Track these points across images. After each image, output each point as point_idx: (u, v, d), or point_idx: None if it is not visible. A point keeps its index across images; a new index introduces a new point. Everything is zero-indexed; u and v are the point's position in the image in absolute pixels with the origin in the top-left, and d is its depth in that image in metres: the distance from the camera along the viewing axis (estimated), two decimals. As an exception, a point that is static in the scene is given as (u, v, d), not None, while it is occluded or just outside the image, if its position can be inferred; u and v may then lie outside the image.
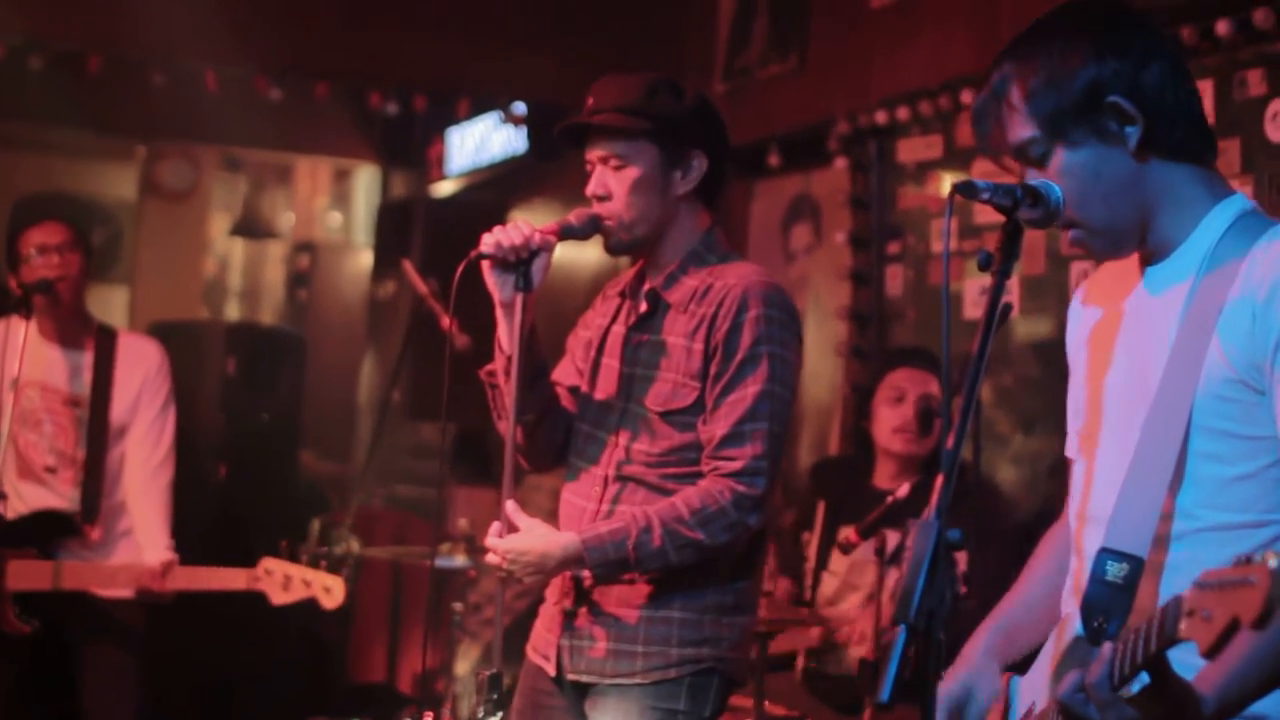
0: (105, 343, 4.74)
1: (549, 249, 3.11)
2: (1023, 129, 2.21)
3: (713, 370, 3.10)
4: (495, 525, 3.13)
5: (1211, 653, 1.76)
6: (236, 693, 6.23)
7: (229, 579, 4.55)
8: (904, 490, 4.31)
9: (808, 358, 6.35)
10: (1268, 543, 2.15)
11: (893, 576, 4.39)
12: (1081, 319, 2.45)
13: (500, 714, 2.99)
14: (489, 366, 3.25)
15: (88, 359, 4.71)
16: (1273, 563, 1.67)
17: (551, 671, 3.21)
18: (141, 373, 4.75)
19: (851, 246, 6.05)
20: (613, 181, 3.16)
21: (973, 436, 4.60)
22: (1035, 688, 2.35)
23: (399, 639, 6.30)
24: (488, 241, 3.08)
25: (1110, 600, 2.14)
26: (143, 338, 4.91)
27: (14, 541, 4.51)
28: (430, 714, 4.73)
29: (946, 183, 5.58)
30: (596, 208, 3.18)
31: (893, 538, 4.36)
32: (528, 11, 7.21)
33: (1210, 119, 4.56)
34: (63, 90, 7.02)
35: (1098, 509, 2.26)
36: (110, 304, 9.28)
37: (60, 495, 4.63)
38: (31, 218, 4.67)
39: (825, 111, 6.14)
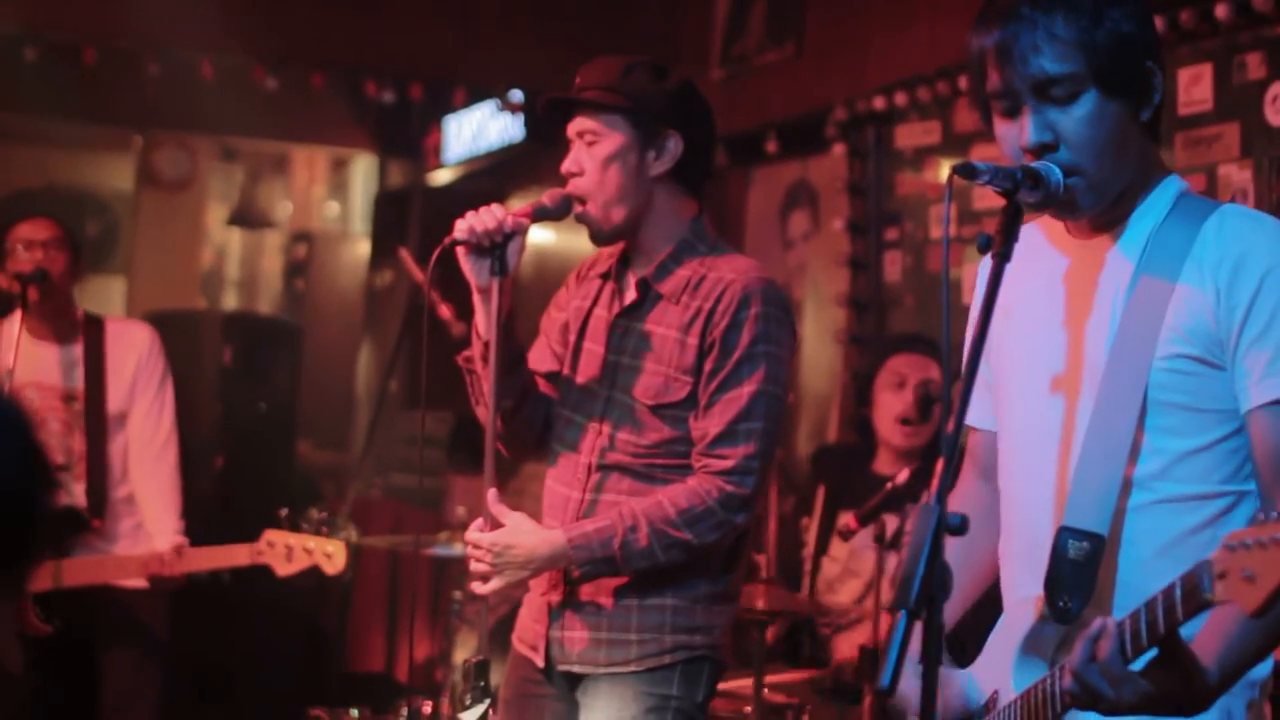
0: (94, 333, 4.72)
1: (523, 232, 3.08)
2: (1062, 62, 2.17)
3: (708, 366, 3.07)
4: (478, 521, 3.11)
5: (1262, 612, 1.75)
6: (235, 682, 6.22)
7: (232, 556, 4.50)
8: (903, 476, 4.30)
9: (806, 345, 6.35)
10: (1223, 512, 2.19)
11: (893, 562, 4.39)
12: (1047, 258, 2.38)
13: (488, 700, 2.97)
14: (466, 353, 3.22)
15: (78, 352, 4.69)
16: None
17: (540, 663, 3.19)
18: (134, 357, 4.73)
19: (850, 233, 6.04)
20: (585, 158, 3.14)
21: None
22: (995, 674, 2.32)
23: (396, 628, 6.29)
24: (461, 227, 3.04)
25: (1073, 578, 2.15)
26: (132, 322, 4.90)
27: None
28: (429, 703, 4.72)
29: (944, 168, 5.57)
30: (570, 185, 3.15)
31: (892, 523, 4.36)
32: (523, -1, 7.20)
33: (1210, 102, 4.59)
34: (58, 81, 7.00)
35: (1035, 480, 2.29)
36: (107, 294, 9.26)
37: (69, 492, 4.61)
38: (19, 213, 4.68)
39: (823, 98, 6.13)
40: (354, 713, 4.39)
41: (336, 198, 11.31)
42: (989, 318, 2.05)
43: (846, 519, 4.35)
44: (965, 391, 2.00)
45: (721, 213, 6.91)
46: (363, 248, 9.85)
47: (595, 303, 3.28)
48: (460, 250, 3.07)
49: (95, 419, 4.64)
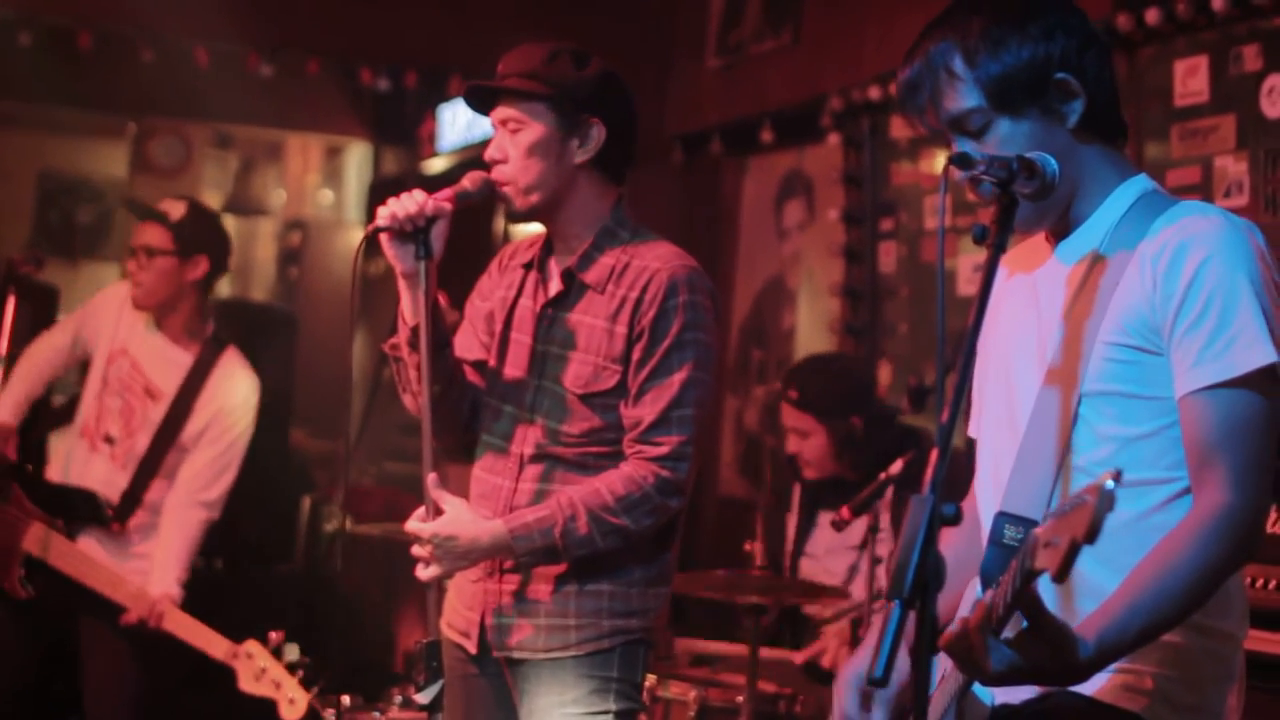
0: (209, 354, 4.68)
1: (445, 216, 3.10)
2: (964, 99, 2.27)
3: (636, 355, 3.11)
4: (419, 511, 3.11)
5: (1059, 576, 1.82)
6: (229, 672, 6.21)
7: (209, 642, 4.43)
8: (896, 467, 4.30)
9: (800, 335, 6.35)
10: (1171, 498, 2.22)
11: (867, 562, 4.42)
12: (1001, 293, 2.45)
13: (440, 681, 2.99)
14: (392, 340, 3.24)
15: (186, 360, 4.67)
16: (1108, 484, 1.76)
17: (472, 649, 3.22)
18: (221, 404, 4.66)
19: (844, 223, 6.04)
20: (509, 145, 3.16)
21: (966, 413, 4.60)
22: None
23: (391, 616, 6.29)
24: (383, 214, 3.07)
25: (1006, 562, 2.17)
26: (244, 369, 4.78)
27: (48, 506, 4.48)
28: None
29: (940, 159, 5.57)
30: (494, 172, 3.18)
31: (885, 514, 4.36)
32: (519, -13, 7.19)
33: (1206, 94, 4.60)
34: (53, 67, 6.98)
35: (998, 477, 2.33)
36: (100, 281, 9.22)
37: (101, 471, 4.59)
38: (141, 214, 4.72)
39: (818, 87, 6.13)
40: (346, 700, 4.38)
41: (331, 185, 11.29)
42: (983, 310, 2.07)
43: (841, 509, 4.35)
44: (959, 384, 2.02)
45: (716, 202, 6.91)
46: (356, 235, 9.84)
47: (520, 293, 3.30)
48: (384, 237, 3.09)
49: (168, 429, 4.61)
